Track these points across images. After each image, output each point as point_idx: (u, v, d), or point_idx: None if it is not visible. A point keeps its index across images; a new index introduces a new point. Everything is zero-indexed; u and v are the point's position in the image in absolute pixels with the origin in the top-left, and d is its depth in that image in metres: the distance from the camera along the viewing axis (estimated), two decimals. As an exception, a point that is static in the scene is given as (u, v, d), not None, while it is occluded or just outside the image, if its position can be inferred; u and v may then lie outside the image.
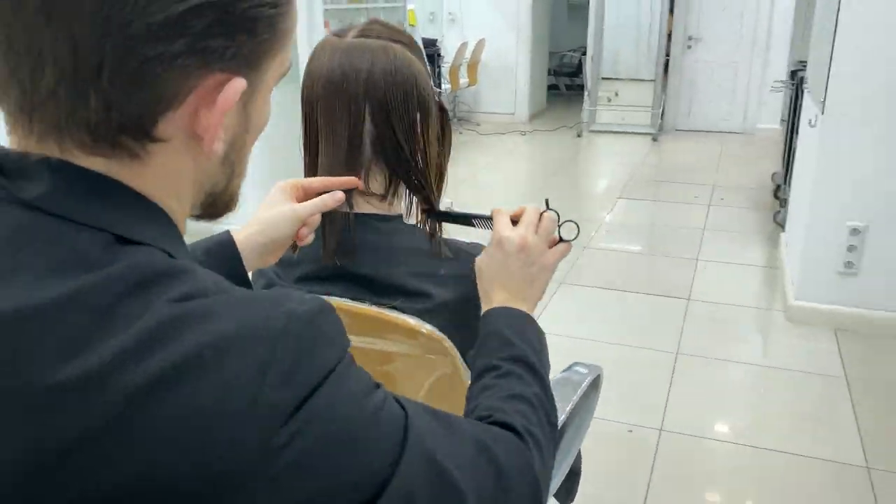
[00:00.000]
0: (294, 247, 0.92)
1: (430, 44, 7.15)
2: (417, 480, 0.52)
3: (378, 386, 0.52)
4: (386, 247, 0.97)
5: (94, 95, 0.44)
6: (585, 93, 7.58)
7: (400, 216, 1.02)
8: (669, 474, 2.17)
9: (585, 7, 7.65)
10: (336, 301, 0.96)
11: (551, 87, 9.28)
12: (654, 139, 7.11)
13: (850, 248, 2.93)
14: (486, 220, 0.91)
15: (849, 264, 2.96)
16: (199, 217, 0.58)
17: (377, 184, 0.99)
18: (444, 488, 0.54)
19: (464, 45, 7.34)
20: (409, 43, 0.98)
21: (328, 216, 0.94)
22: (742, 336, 3.11)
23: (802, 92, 3.88)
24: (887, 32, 2.69)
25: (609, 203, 4.97)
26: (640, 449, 2.28)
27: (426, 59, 1.02)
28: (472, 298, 0.97)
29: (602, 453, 2.17)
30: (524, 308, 0.82)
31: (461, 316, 0.95)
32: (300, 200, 0.89)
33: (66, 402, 0.41)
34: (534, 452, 0.64)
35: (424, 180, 1.00)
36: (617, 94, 7.74)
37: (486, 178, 5.90)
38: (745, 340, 3.08)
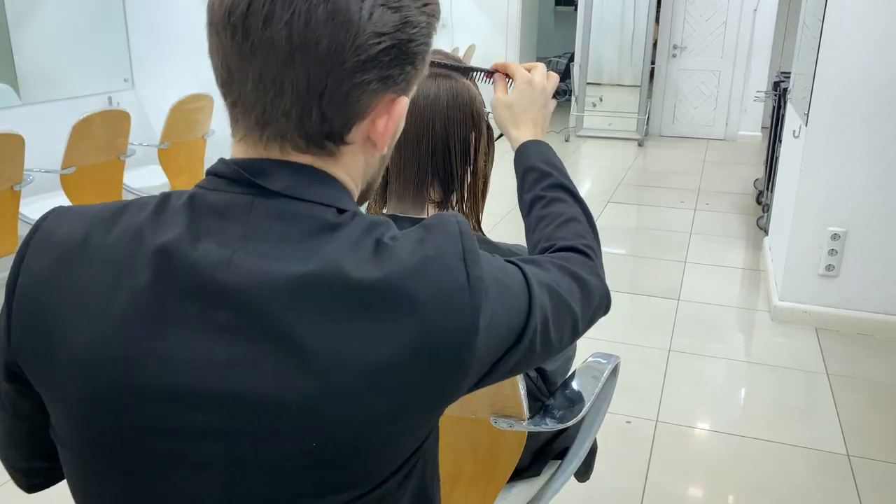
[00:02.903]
0: None
1: (422, 49, 7.27)
2: (542, 297, 0.73)
3: (494, 252, 0.77)
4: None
5: (315, 112, 0.62)
6: (573, 98, 7.76)
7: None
8: (665, 461, 2.33)
9: (571, 14, 7.82)
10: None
11: (538, 92, 9.44)
12: (640, 144, 7.32)
13: (831, 252, 3.12)
14: (486, 73, 1.10)
15: (829, 267, 3.14)
16: None
17: (435, 192, 1.14)
18: (557, 299, 0.76)
19: (454, 50, 7.49)
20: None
21: None
22: (730, 334, 3.29)
23: (785, 102, 4.07)
24: (869, 50, 2.87)
25: (598, 207, 5.15)
26: (638, 439, 2.44)
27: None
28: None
29: (603, 443, 2.31)
30: (541, 138, 1.03)
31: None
32: None
33: (362, 295, 0.60)
34: (595, 260, 0.89)
35: (468, 189, 1.15)
36: (601, 100, 7.93)
37: (478, 181, 6.03)
38: (732, 338, 3.26)
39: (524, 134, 1.02)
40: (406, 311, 0.60)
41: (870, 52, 2.87)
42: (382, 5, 0.61)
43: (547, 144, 1.02)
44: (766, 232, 4.19)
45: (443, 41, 7.93)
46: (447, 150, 1.10)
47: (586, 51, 7.55)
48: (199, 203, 0.63)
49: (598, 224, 4.51)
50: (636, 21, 7.59)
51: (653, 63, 7.53)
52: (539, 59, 9.11)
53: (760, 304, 3.52)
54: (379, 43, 0.61)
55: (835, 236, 3.10)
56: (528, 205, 0.97)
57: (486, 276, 0.65)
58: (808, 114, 3.03)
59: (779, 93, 4.39)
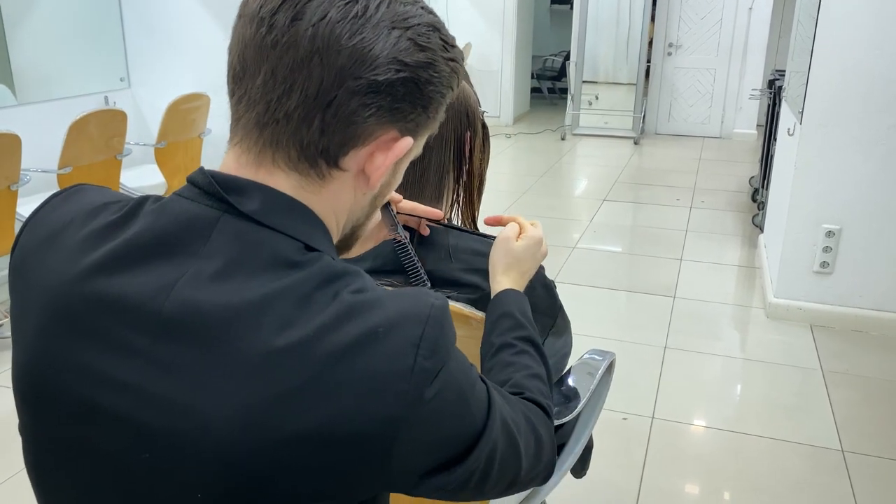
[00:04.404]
0: None
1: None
2: (499, 434, 0.69)
3: (471, 365, 0.69)
4: (443, 246, 1.12)
5: (317, 121, 0.61)
6: (569, 97, 7.78)
7: (450, 219, 1.17)
8: (661, 457, 2.34)
9: (567, 12, 7.83)
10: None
11: (534, 91, 9.47)
12: (636, 143, 7.33)
13: (826, 249, 3.14)
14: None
15: (824, 264, 3.16)
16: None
17: (430, 191, 1.14)
18: (512, 443, 0.71)
19: (451, 48, 7.48)
20: (461, 70, 1.13)
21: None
22: (725, 331, 3.31)
23: (780, 100, 4.08)
24: (862, 48, 2.88)
25: (595, 205, 5.16)
26: (634, 435, 2.45)
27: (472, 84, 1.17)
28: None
29: (600, 439, 2.31)
30: (521, 289, 1.01)
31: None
32: None
33: (282, 362, 0.56)
34: (552, 421, 0.85)
35: (463, 188, 1.16)
36: (597, 98, 7.94)
37: (475, 179, 6.04)
38: (728, 335, 3.28)
39: (507, 282, 0.99)
40: (322, 388, 0.56)
41: (863, 50, 2.88)
42: (410, 39, 0.62)
43: (526, 298, 0.99)
44: (762, 229, 4.21)
45: (439, 40, 7.92)
46: (441, 149, 1.11)
47: (582, 49, 7.56)
48: (168, 212, 0.62)
49: (595, 222, 4.52)
50: (632, 19, 7.61)
51: (648, 61, 7.54)
52: (535, 58, 9.15)
53: (755, 301, 3.54)
54: (398, 71, 0.61)
55: (829, 233, 3.11)
56: (497, 347, 0.92)
57: (444, 376, 0.60)
58: (802, 112, 3.05)
59: (774, 91, 4.40)
